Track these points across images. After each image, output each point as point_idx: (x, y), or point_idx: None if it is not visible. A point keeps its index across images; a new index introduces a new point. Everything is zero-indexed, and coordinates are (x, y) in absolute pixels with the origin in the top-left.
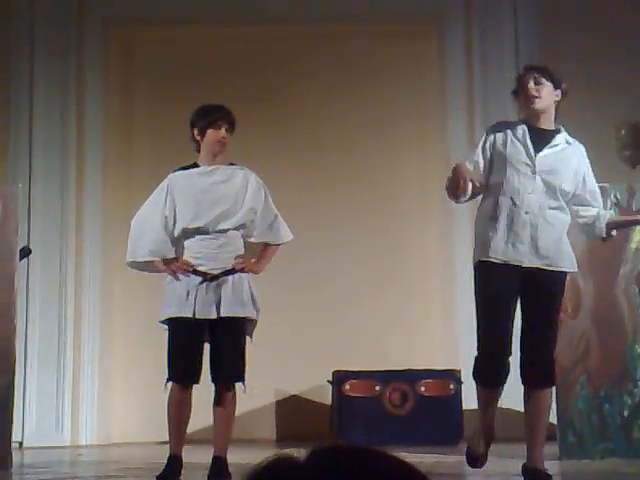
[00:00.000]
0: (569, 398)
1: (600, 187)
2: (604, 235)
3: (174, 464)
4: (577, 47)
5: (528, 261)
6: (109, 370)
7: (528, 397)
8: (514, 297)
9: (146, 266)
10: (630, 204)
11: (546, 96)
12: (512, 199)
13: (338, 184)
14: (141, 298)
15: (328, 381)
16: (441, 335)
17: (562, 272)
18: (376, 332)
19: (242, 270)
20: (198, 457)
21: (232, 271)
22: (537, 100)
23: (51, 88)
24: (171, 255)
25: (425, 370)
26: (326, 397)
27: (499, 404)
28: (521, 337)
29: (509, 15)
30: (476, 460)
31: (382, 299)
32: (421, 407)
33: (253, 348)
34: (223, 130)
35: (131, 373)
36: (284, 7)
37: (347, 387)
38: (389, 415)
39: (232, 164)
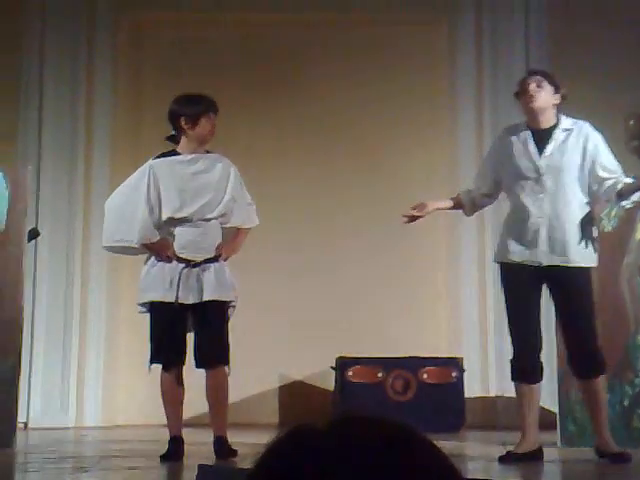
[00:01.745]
0: (570, 387)
1: None
2: (614, 199)
3: (176, 444)
4: (587, 38)
5: (547, 260)
6: (115, 352)
7: (583, 390)
8: (536, 295)
9: (124, 250)
10: None
11: (544, 97)
12: (525, 203)
13: (346, 173)
14: None
15: (332, 367)
16: (446, 323)
17: (581, 267)
18: (382, 319)
19: (226, 258)
20: (203, 438)
21: (214, 259)
22: (535, 99)
23: (61, 72)
24: (156, 239)
25: (428, 357)
26: (329, 383)
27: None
28: (563, 334)
29: (520, 7)
30: (509, 459)
31: (388, 287)
32: (423, 394)
33: (258, 333)
34: (213, 118)
35: (136, 355)
36: None
37: (350, 373)
38: (391, 402)
39: (208, 152)
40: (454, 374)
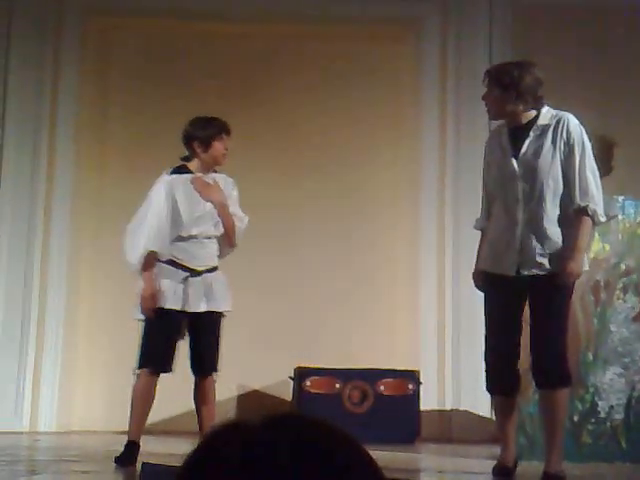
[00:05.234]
0: (521, 402)
1: None
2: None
3: (132, 449)
4: (550, 50)
5: (526, 270)
6: (72, 358)
7: (543, 403)
8: (516, 304)
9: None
10: None
11: (493, 104)
12: (501, 211)
13: (312, 185)
14: (107, 288)
15: (290, 377)
16: (404, 336)
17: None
18: (341, 330)
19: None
20: (159, 447)
21: (213, 269)
22: (489, 113)
23: (26, 76)
24: (165, 254)
25: (385, 370)
26: (288, 393)
27: (455, 407)
28: (531, 337)
29: (484, 21)
30: (505, 472)
31: (348, 299)
32: (380, 406)
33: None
34: (226, 140)
35: (95, 361)
36: (266, 5)
37: (308, 383)
38: (348, 412)
39: (215, 171)
40: (410, 387)
